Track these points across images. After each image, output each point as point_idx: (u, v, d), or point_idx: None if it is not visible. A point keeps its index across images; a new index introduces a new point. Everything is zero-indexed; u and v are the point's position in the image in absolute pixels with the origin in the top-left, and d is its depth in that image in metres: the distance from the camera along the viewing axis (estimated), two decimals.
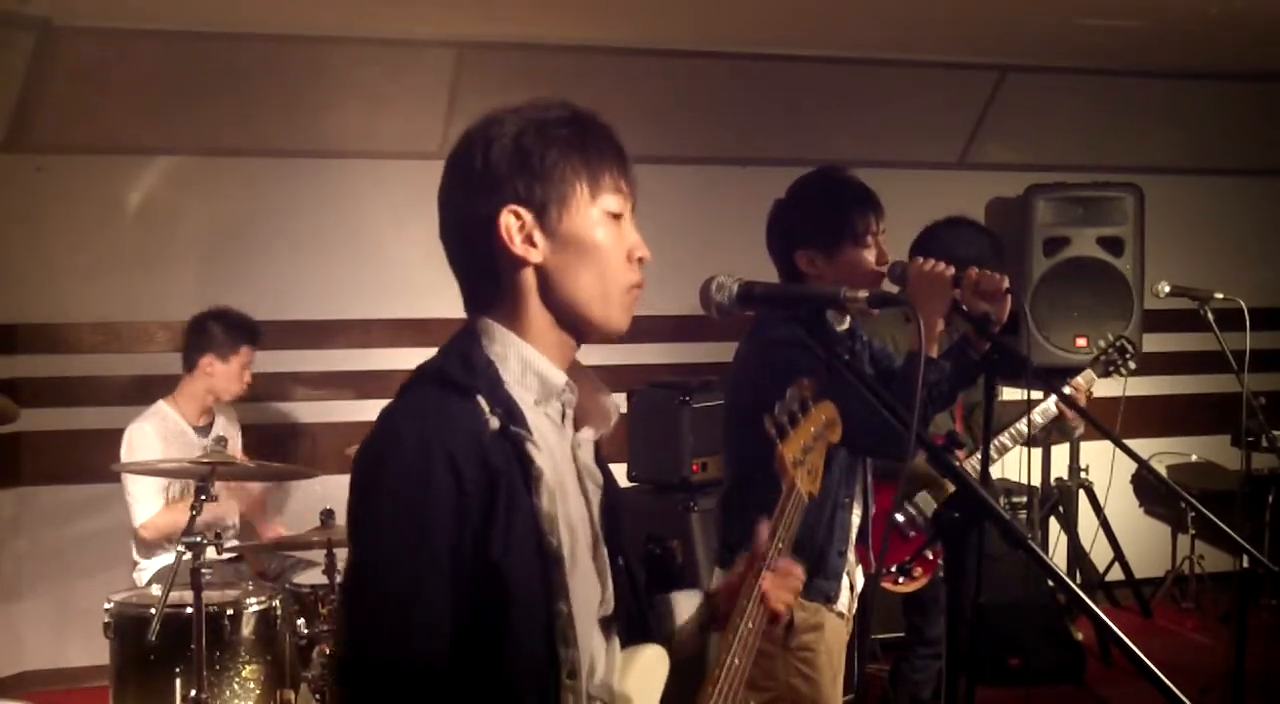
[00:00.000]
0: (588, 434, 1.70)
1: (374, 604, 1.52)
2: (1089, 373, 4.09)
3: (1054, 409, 4.01)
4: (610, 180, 1.63)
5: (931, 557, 3.89)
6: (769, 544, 1.80)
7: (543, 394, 1.63)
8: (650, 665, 1.74)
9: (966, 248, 3.89)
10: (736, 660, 1.68)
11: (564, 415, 1.67)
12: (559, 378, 1.64)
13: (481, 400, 1.54)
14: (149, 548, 4.43)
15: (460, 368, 1.58)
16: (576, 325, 1.64)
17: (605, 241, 1.62)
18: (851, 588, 2.85)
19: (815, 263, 2.75)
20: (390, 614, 1.50)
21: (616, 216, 1.64)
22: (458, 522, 1.49)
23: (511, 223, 1.59)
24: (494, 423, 1.53)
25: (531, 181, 1.59)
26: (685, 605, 1.90)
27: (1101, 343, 4.14)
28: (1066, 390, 3.91)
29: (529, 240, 1.60)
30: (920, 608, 4.24)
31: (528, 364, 1.62)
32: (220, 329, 4.56)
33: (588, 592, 1.62)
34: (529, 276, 1.61)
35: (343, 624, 1.58)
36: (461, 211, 1.62)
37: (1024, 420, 4.03)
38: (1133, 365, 4.12)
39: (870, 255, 2.74)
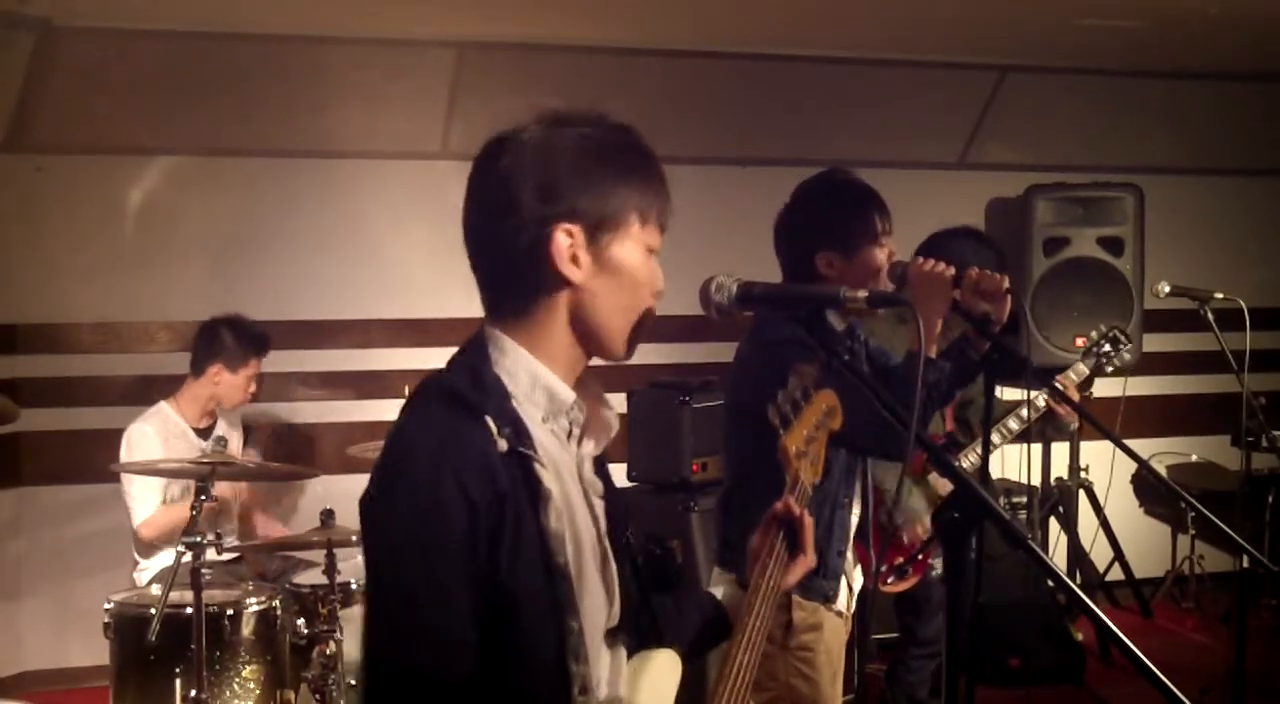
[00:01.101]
0: (589, 448, 1.69)
1: (393, 623, 1.52)
2: (1079, 366, 3.99)
3: (1041, 405, 3.94)
4: (657, 216, 1.64)
5: (923, 557, 3.90)
6: (776, 537, 1.80)
7: (550, 411, 1.62)
8: (661, 671, 1.73)
9: (971, 259, 3.87)
10: (745, 658, 1.68)
11: (570, 432, 1.65)
12: (568, 395, 1.63)
13: (490, 420, 1.52)
14: (149, 548, 4.42)
15: (470, 385, 1.56)
16: (593, 347, 1.64)
17: (643, 273, 1.62)
18: (850, 588, 2.85)
19: (834, 264, 2.75)
20: (410, 631, 1.49)
21: (652, 252, 1.64)
22: (470, 540, 1.48)
23: (563, 240, 1.56)
24: (502, 444, 1.52)
25: (591, 201, 1.57)
26: (724, 588, 1.91)
27: (1094, 334, 4.03)
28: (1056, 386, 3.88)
29: (574, 260, 1.58)
30: (913, 608, 4.24)
31: (537, 380, 1.60)
32: (232, 339, 4.56)
33: (596, 607, 1.61)
34: (562, 295, 1.59)
35: (368, 642, 1.57)
36: (506, 218, 1.57)
37: (1012, 418, 4.01)
38: (1127, 356, 4.00)
39: (884, 254, 2.76)
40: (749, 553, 1.87)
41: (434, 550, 1.48)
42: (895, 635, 4.48)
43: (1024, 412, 3.95)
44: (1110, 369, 4.02)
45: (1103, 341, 3.99)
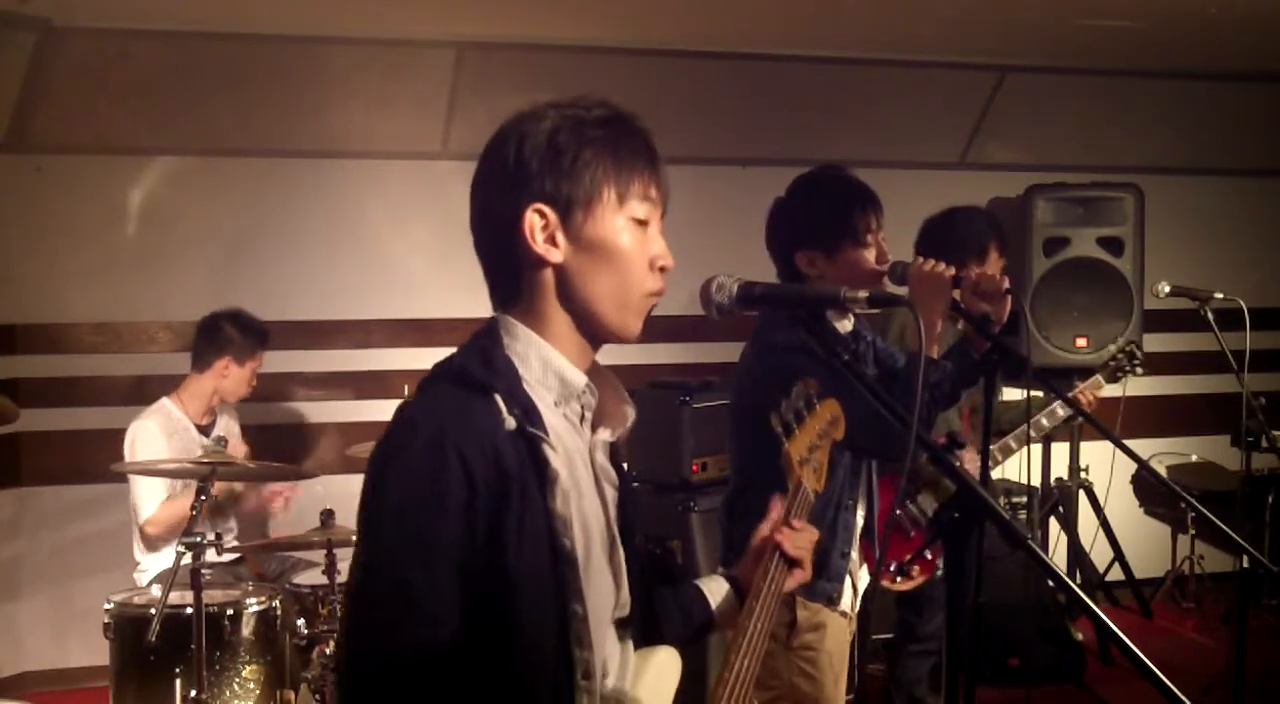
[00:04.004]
0: (604, 435, 1.69)
1: (379, 599, 1.51)
2: (1097, 379, 4.20)
3: (1060, 414, 4.12)
4: (639, 187, 1.63)
5: (930, 556, 3.90)
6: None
7: (562, 395, 1.63)
8: (663, 668, 1.73)
9: (969, 231, 3.94)
10: (745, 662, 1.68)
11: (583, 417, 1.66)
12: (579, 379, 1.63)
13: (499, 400, 1.54)
14: (152, 546, 4.42)
15: (480, 366, 1.57)
16: (591, 328, 1.63)
17: (628, 248, 1.61)
18: (854, 588, 2.85)
19: (815, 263, 2.75)
20: (395, 608, 1.49)
21: (642, 223, 1.63)
22: (467, 518, 1.49)
23: (535, 221, 1.58)
24: (510, 423, 1.52)
25: (559, 181, 1.58)
26: (716, 588, 1.91)
27: (1112, 347, 4.22)
28: (1075, 394, 4.02)
29: (551, 240, 1.59)
30: (915, 605, 4.24)
31: (548, 364, 1.61)
32: (237, 332, 4.57)
33: (603, 593, 1.62)
34: (548, 276, 1.61)
35: (348, 620, 1.57)
36: (489, 204, 1.62)
37: (1028, 425, 4.11)
38: (1140, 371, 4.26)
39: (870, 255, 2.74)
40: (749, 553, 1.87)
41: (427, 528, 1.48)
42: (890, 636, 4.48)
43: (1041, 420, 4.15)
44: (1127, 381, 4.34)
45: (1120, 355, 4.27)
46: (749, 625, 1.70)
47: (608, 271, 1.61)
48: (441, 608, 1.49)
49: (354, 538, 3.89)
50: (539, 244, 1.59)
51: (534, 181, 1.58)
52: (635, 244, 1.62)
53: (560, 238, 1.59)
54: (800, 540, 1.83)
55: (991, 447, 4.19)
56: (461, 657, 1.50)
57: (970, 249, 3.78)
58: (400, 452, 1.52)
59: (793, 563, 1.82)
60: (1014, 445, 4.18)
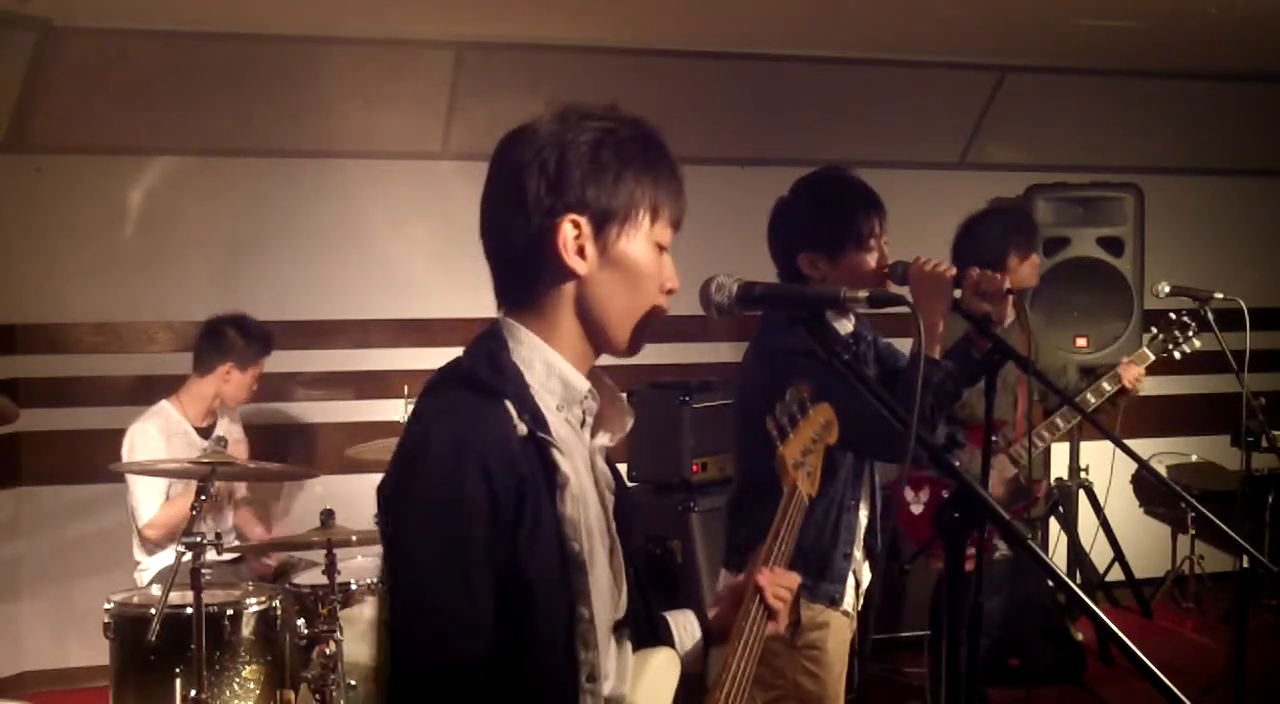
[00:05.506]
0: (602, 439, 1.70)
1: (417, 610, 1.51)
2: (1143, 351, 4.17)
3: (1107, 387, 4.10)
4: (670, 212, 1.64)
5: (988, 535, 3.87)
6: (772, 545, 1.80)
7: (565, 400, 1.63)
8: (662, 669, 1.73)
9: (995, 240, 3.92)
10: (743, 664, 1.68)
11: (583, 422, 1.66)
12: (582, 384, 1.64)
13: (510, 405, 1.53)
14: (153, 547, 4.42)
15: (489, 371, 1.57)
16: (598, 341, 1.64)
17: (649, 268, 1.62)
18: (858, 586, 2.85)
19: (818, 265, 2.75)
20: (434, 618, 1.49)
21: (662, 249, 1.64)
22: (491, 524, 1.49)
23: (569, 231, 1.57)
24: (522, 428, 1.52)
25: (600, 193, 1.57)
26: (685, 628, 1.88)
27: (1161, 324, 4.19)
28: (1120, 368, 4.10)
29: (580, 252, 1.58)
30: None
31: (552, 369, 1.61)
32: (241, 338, 4.56)
33: (606, 596, 1.62)
34: (569, 287, 1.60)
35: (391, 633, 1.56)
36: (515, 208, 1.58)
37: (1090, 392, 4.11)
38: (1197, 343, 4.15)
39: (873, 259, 2.74)
40: (728, 595, 1.88)
41: (458, 539, 1.48)
42: (920, 634, 4.44)
43: (1104, 385, 4.10)
44: (1178, 355, 4.19)
45: (1172, 328, 4.16)
46: (733, 665, 1.71)
47: (627, 289, 1.61)
48: (478, 611, 1.49)
49: (354, 538, 3.90)
50: (569, 255, 1.58)
51: (572, 191, 1.57)
52: (655, 267, 1.63)
53: (589, 250, 1.59)
54: (780, 588, 1.82)
55: (1039, 427, 4.19)
56: (497, 663, 1.50)
57: (986, 263, 3.77)
58: (421, 459, 1.52)
59: (771, 611, 1.81)
60: (1060, 424, 4.17)
